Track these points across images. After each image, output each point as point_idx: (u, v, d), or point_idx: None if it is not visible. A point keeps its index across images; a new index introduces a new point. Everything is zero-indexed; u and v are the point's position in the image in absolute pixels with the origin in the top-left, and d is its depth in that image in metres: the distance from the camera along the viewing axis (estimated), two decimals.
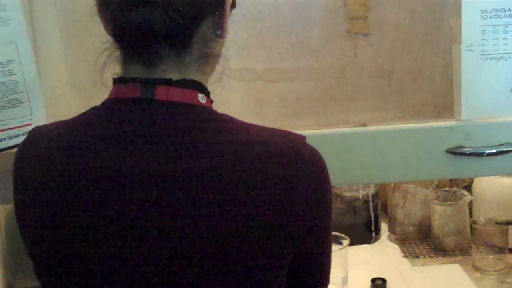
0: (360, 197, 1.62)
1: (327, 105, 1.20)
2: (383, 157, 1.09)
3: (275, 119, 1.17)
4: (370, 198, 1.62)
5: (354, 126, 1.10)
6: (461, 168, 1.10)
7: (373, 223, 1.64)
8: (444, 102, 1.12)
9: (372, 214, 1.63)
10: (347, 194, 1.61)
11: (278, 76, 1.25)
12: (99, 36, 1.19)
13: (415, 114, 1.14)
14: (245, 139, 0.76)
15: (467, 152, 1.09)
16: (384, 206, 1.72)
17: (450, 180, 1.63)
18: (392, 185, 1.64)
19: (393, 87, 1.17)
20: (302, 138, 0.81)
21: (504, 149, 1.08)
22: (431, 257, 1.56)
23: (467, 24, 1.05)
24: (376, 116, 1.13)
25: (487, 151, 1.09)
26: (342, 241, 1.39)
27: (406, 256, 1.57)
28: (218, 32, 0.80)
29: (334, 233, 1.45)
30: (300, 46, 1.24)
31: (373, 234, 1.65)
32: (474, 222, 1.49)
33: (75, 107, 1.22)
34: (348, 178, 1.12)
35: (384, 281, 1.43)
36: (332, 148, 1.08)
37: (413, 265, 1.52)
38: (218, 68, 0.85)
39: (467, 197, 1.56)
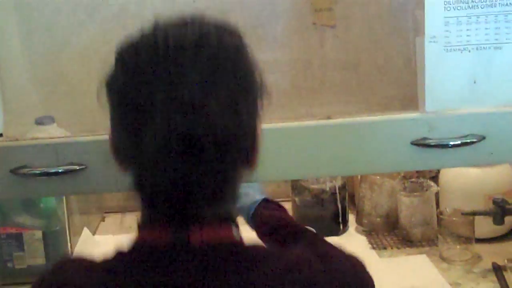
0: (327, 189, 1.62)
1: (293, 98, 1.20)
2: (348, 150, 1.09)
3: None
4: (337, 190, 1.63)
5: (319, 119, 1.10)
6: (426, 160, 1.11)
7: (340, 215, 1.65)
8: (410, 94, 1.13)
9: (339, 206, 1.64)
10: (314, 186, 1.62)
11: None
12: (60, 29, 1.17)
13: (380, 107, 1.14)
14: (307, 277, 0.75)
15: (432, 144, 1.09)
16: (352, 198, 1.73)
17: (417, 171, 1.64)
18: (359, 177, 1.65)
19: (359, 79, 1.17)
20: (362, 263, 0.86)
21: (468, 141, 1.09)
22: (398, 248, 1.57)
23: (431, 16, 1.05)
24: (342, 109, 1.13)
25: (452, 143, 1.09)
26: None
27: (373, 248, 1.58)
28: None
29: None
30: (266, 39, 1.24)
31: (341, 226, 1.66)
32: (441, 213, 1.51)
33: (35, 102, 1.22)
34: (313, 171, 1.12)
35: None
36: (297, 141, 1.08)
37: (380, 257, 1.54)
38: None
39: (434, 188, 1.57)
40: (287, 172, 1.11)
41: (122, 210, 1.91)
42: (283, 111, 1.16)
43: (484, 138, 1.09)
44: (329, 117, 1.11)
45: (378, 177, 1.61)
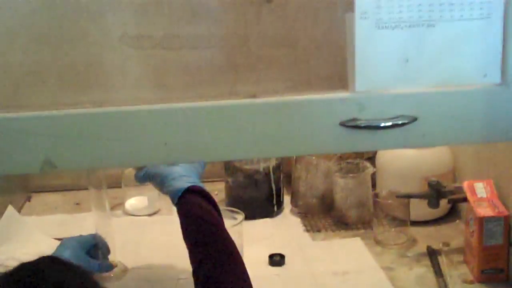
0: (261, 169, 1.57)
1: (227, 74, 1.14)
2: (274, 130, 1.04)
3: (175, 89, 1.11)
4: (271, 171, 1.58)
5: (243, 98, 1.05)
6: (355, 142, 1.06)
7: (274, 196, 1.60)
8: (339, 73, 1.08)
9: (273, 187, 1.59)
10: (247, 167, 1.57)
11: (178, 44, 1.18)
12: None
13: (308, 85, 1.09)
14: None
15: (362, 125, 1.05)
16: (288, 179, 1.69)
17: (354, 152, 1.60)
18: (294, 157, 1.60)
19: (296, 56, 1.12)
20: None
21: (399, 122, 1.05)
22: (333, 231, 1.54)
23: None
24: (267, 87, 1.08)
25: (382, 124, 1.05)
26: (237, 216, 1.36)
27: (307, 230, 1.54)
28: None
29: (228, 208, 1.41)
30: (201, 12, 1.17)
31: (275, 208, 1.61)
32: (376, 195, 1.48)
33: None
34: (238, 153, 1.07)
35: (282, 256, 1.40)
36: (220, 121, 1.03)
37: (313, 240, 1.50)
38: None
39: (370, 169, 1.54)
40: (211, 153, 1.06)
41: (50, 189, 1.85)
42: (217, 88, 1.10)
43: (416, 119, 1.05)
44: (253, 96, 1.06)
45: (313, 158, 1.57)
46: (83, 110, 1.02)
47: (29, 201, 1.80)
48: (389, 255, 1.42)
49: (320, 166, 1.57)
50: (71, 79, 1.07)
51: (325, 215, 1.59)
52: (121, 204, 1.70)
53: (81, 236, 1.33)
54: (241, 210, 1.55)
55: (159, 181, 1.21)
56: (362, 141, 1.08)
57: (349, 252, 1.44)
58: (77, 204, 1.75)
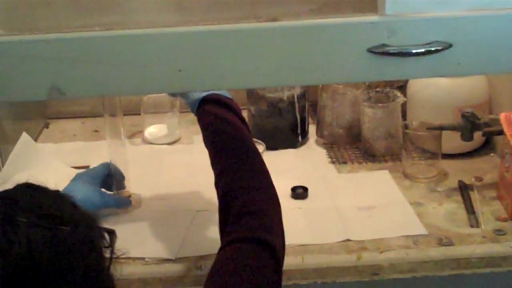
0: (285, 98, 1.51)
1: None
2: (296, 56, 0.98)
3: (193, 11, 1.04)
4: (295, 99, 1.52)
5: (263, 21, 0.98)
6: (384, 70, 1.00)
7: (299, 126, 1.55)
8: None
9: (298, 116, 1.53)
10: (270, 95, 1.51)
11: None
12: None
13: (333, 8, 1.02)
14: None
15: (391, 51, 0.98)
16: (314, 108, 1.62)
17: (384, 80, 1.53)
18: (320, 85, 1.54)
19: None
20: None
21: (433, 48, 0.98)
22: (360, 163, 1.49)
23: None
24: (289, 10, 1.01)
25: (414, 50, 0.98)
26: (258, 146, 1.30)
27: (332, 162, 1.49)
28: None
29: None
30: None
31: (299, 138, 1.56)
32: (406, 126, 1.41)
33: None
34: (258, 80, 1.01)
35: (305, 189, 1.35)
36: (238, 46, 0.97)
37: (339, 172, 1.45)
38: None
39: (400, 98, 1.47)
40: (228, 81, 1.00)
41: (69, 116, 1.81)
42: (236, 10, 1.04)
43: (451, 45, 0.98)
44: (274, 19, 0.99)
45: (340, 86, 1.50)
46: (93, 33, 0.97)
47: (47, 127, 1.77)
48: (418, 190, 1.37)
49: (347, 95, 1.50)
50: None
51: (352, 146, 1.54)
52: (140, 132, 1.66)
53: (93, 168, 1.30)
54: (263, 140, 1.51)
55: (183, 94, 1.17)
56: (391, 69, 1.01)
57: (375, 185, 1.39)
58: (95, 131, 1.72)
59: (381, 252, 1.17)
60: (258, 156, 1.05)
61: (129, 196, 1.32)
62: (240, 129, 1.07)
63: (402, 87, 1.52)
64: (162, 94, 1.61)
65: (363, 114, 1.48)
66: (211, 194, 1.09)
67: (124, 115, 1.47)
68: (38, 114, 1.78)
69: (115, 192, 1.31)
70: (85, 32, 0.97)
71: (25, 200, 0.71)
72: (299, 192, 1.35)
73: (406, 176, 1.41)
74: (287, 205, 1.32)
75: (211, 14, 1.02)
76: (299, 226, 1.26)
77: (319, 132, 1.57)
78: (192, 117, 1.69)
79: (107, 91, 1.06)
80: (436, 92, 1.44)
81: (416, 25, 0.98)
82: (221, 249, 0.94)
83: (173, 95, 1.33)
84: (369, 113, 1.47)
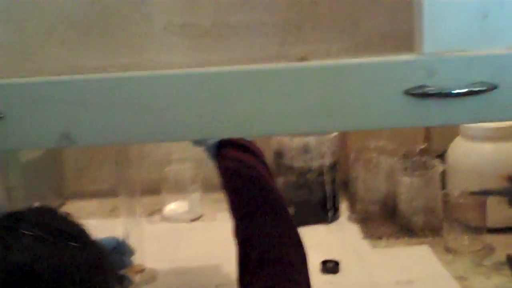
0: (314, 168, 1.43)
1: (261, 34, 1.01)
2: (327, 100, 0.91)
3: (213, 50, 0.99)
4: (325, 170, 1.43)
5: (291, 61, 0.92)
6: (423, 114, 0.92)
7: (329, 199, 1.45)
8: (405, 32, 0.94)
9: (328, 189, 1.45)
10: (298, 164, 1.43)
11: (226, 32, 1.07)
12: None
13: (367, 47, 0.96)
14: None
15: (430, 92, 0.91)
16: (346, 181, 1.53)
17: (421, 149, 1.45)
18: (352, 155, 1.46)
19: (341, 12, 0.99)
20: None
21: (476, 89, 0.91)
22: (397, 238, 1.38)
23: None
24: (319, 49, 0.95)
25: (455, 91, 0.91)
26: None
27: (366, 237, 1.39)
28: None
29: None
30: None
31: (330, 213, 1.46)
32: (446, 195, 1.31)
33: None
34: (285, 127, 0.94)
35: (336, 263, 1.24)
36: (264, 89, 0.90)
37: (374, 247, 1.34)
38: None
39: (439, 167, 1.38)
40: (253, 126, 0.93)
41: (85, 195, 1.75)
42: (250, 49, 0.98)
43: (496, 87, 0.90)
44: (303, 58, 0.93)
45: (374, 155, 1.42)
46: (107, 75, 0.92)
47: (63, 205, 1.70)
48: (462, 264, 1.25)
49: (382, 165, 1.42)
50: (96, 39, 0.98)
51: (387, 221, 1.44)
52: (159, 210, 1.58)
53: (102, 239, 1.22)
54: (292, 214, 1.41)
55: (202, 142, 1.10)
56: (431, 113, 0.93)
57: (414, 260, 1.28)
58: (112, 210, 1.64)
59: None
60: (283, 202, 0.96)
61: (142, 271, 1.23)
62: (262, 174, 0.98)
63: (440, 155, 1.44)
64: (183, 168, 1.55)
65: (399, 185, 1.39)
66: (234, 268, 0.98)
67: (143, 194, 1.42)
68: (55, 192, 1.72)
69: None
70: (98, 74, 0.92)
71: (33, 216, 0.66)
72: (330, 266, 1.24)
73: (448, 250, 1.30)
74: (316, 280, 1.21)
75: (234, 54, 0.96)
76: None
77: (351, 207, 1.47)
78: (215, 196, 1.65)
79: (120, 139, 0.98)
80: (479, 159, 1.35)
81: (457, 64, 0.91)
82: None
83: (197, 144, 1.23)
84: (405, 183, 1.37)
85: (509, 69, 0.90)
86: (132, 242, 1.25)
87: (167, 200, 1.58)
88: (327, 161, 1.45)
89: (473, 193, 1.26)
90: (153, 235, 1.43)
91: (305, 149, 1.42)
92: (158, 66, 0.94)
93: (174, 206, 1.56)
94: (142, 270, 1.23)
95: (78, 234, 0.66)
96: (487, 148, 1.35)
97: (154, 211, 1.59)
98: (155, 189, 1.61)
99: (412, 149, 1.44)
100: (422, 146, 1.47)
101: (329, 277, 1.23)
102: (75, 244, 0.64)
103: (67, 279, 0.61)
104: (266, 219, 0.92)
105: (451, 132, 1.48)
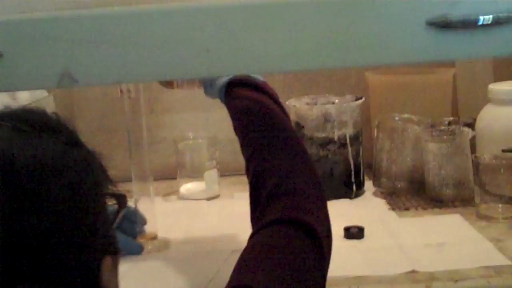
0: (336, 138, 1.37)
1: None
2: (341, 33, 0.86)
3: None
4: (348, 141, 1.37)
5: None
6: (447, 46, 0.86)
7: (353, 173, 1.39)
8: None
9: (351, 161, 1.38)
10: (319, 135, 1.37)
11: None
12: None
13: None
14: None
15: (454, 21, 0.85)
16: (370, 155, 1.47)
17: (449, 122, 1.38)
18: (375, 123, 1.39)
19: None
20: None
21: (504, 16, 0.85)
22: (425, 209, 1.30)
23: None
24: None
25: (481, 20, 0.85)
26: None
27: (393, 209, 1.32)
28: None
29: None
30: None
31: (354, 187, 1.40)
32: (477, 158, 1.24)
33: None
34: (298, 62, 0.89)
35: (361, 229, 1.18)
36: (274, 22, 0.86)
37: (401, 216, 1.27)
38: None
39: (468, 132, 1.31)
40: (264, 63, 0.88)
41: None
42: None
43: None
44: None
45: (399, 122, 1.35)
46: (110, 10, 0.88)
47: None
48: (496, 229, 1.18)
49: (407, 133, 1.35)
50: None
51: (415, 195, 1.37)
52: (176, 192, 1.53)
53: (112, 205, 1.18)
54: None
55: (210, 85, 1.03)
56: (455, 45, 0.87)
57: (445, 226, 1.21)
58: (127, 192, 1.59)
59: (456, 281, 0.97)
60: (296, 138, 0.90)
61: (154, 238, 1.18)
62: (275, 111, 0.93)
63: (469, 125, 1.37)
64: (199, 143, 1.51)
65: (426, 153, 1.32)
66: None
67: (159, 179, 1.36)
68: None
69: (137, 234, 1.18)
70: (101, 9, 0.88)
71: (20, 112, 0.62)
72: (354, 232, 1.17)
73: (481, 218, 1.22)
74: (340, 244, 1.15)
75: None
76: (353, 260, 1.08)
77: (376, 181, 1.41)
78: (233, 179, 1.60)
79: (125, 77, 0.94)
80: (510, 123, 1.28)
81: None
82: (250, 237, 0.78)
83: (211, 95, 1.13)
84: (433, 150, 1.31)
85: None
86: (144, 211, 1.21)
87: (183, 181, 1.53)
88: (350, 131, 1.39)
89: (505, 150, 1.19)
90: (168, 211, 1.39)
91: (326, 118, 1.36)
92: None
93: (190, 186, 1.51)
94: (154, 237, 1.18)
95: (66, 133, 0.61)
96: None
97: (171, 193, 1.55)
98: (171, 173, 1.57)
99: (439, 119, 1.38)
100: (450, 119, 1.41)
101: (353, 242, 1.16)
102: (60, 140, 0.59)
103: (49, 173, 0.56)
104: (279, 153, 0.87)
105: (479, 103, 1.42)
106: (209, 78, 1.02)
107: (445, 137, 1.31)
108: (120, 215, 0.68)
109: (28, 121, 0.59)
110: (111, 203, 0.68)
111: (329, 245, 0.80)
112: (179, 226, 1.30)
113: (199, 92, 1.19)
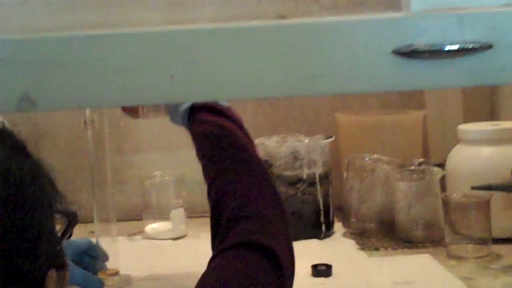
0: (305, 177, 1.36)
1: None
2: (309, 60, 0.86)
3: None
4: (317, 180, 1.36)
5: (270, 19, 0.88)
6: (413, 76, 0.87)
7: (322, 213, 1.38)
8: None
9: (320, 201, 1.37)
10: (288, 173, 1.36)
11: None
12: None
13: (350, 5, 0.92)
14: None
15: (420, 50, 0.86)
16: (339, 195, 1.46)
17: (419, 163, 1.38)
18: (346, 162, 1.39)
19: None
20: None
21: (469, 46, 0.86)
22: (394, 249, 1.29)
23: None
24: (299, 7, 0.91)
25: (447, 48, 0.86)
26: None
27: (363, 249, 1.30)
28: None
29: None
30: None
31: (323, 228, 1.38)
32: (447, 197, 1.24)
33: None
34: (263, 89, 0.89)
35: (329, 267, 1.16)
36: (240, 48, 0.86)
37: (370, 256, 1.26)
38: None
39: (438, 172, 1.31)
40: (229, 89, 0.88)
41: None
42: (225, 7, 0.94)
43: (491, 46, 0.86)
44: (282, 17, 0.89)
45: (369, 162, 1.35)
46: (72, 33, 0.87)
47: None
48: (467, 268, 1.17)
49: (377, 172, 1.35)
50: None
51: (385, 236, 1.35)
52: (141, 232, 1.51)
53: (73, 240, 1.15)
54: None
55: (174, 111, 1.01)
56: (421, 75, 0.87)
57: (414, 264, 1.19)
58: (91, 232, 1.57)
59: None
60: (261, 163, 0.89)
61: (115, 274, 1.15)
62: (238, 135, 0.92)
63: (440, 165, 1.37)
64: (165, 181, 1.49)
65: (396, 192, 1.32)
66: None
67: (124, 219, 1.34)
68: None
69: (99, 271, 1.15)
70: (63, 32, 0.87)
71: None
72: (321, 269, 1.16)
73: (451, 257, 1.21)
74: (307, 282, 1.13)
75: (208, 12, 0.92)
76: None
77: (346, 221, 1.39)
78: (201, 220, 1.57)
79: (86, 102, 0.92)
80: (479, 163, 1.29)
81: (447, 22, 0.87)
82: (210, 261, 0.76)
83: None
84: (403, 189, 1.30)
85: (506, 27, 0.85)
86: (106, 249, 1.19)
87: (149, 221, 1.50)
88: (319, 170, 1.38)
89: (475, 188, 1.19)
90: (132, 250, 1.37)
91: (295, 157, 1.36)
92: (127, 23, 0.90)
93: (156, 225, 1.49)
94: (116, 274, 1.15)
95: (12, 139, 0.60)
96: (487, 151, 1.30)
97: (136, 233, 1.52)
98: (137, 215, 1.55)
99: (409, 159, 1.37)
100: (420, 160, 1.41)
101: (321, 279, 1.14)
102: (5, 145, 0.58)
103: None
104: (240, 177, 0.86)
105: (449, 145, 1.42)
106: (173, 104, 1.01)
107: (415, 175, 1.30)
108: (71, 231, 0.66)
109: None
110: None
111: (291, 269, 0.78)
112: (142, 264, 1.28)
113: (168, 130, 1.18)
